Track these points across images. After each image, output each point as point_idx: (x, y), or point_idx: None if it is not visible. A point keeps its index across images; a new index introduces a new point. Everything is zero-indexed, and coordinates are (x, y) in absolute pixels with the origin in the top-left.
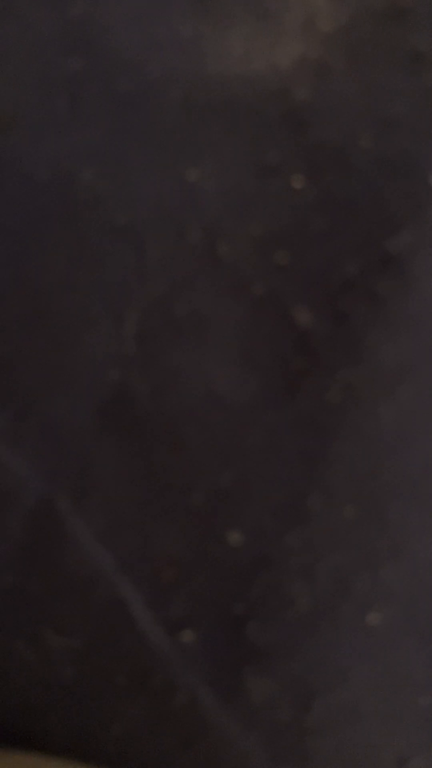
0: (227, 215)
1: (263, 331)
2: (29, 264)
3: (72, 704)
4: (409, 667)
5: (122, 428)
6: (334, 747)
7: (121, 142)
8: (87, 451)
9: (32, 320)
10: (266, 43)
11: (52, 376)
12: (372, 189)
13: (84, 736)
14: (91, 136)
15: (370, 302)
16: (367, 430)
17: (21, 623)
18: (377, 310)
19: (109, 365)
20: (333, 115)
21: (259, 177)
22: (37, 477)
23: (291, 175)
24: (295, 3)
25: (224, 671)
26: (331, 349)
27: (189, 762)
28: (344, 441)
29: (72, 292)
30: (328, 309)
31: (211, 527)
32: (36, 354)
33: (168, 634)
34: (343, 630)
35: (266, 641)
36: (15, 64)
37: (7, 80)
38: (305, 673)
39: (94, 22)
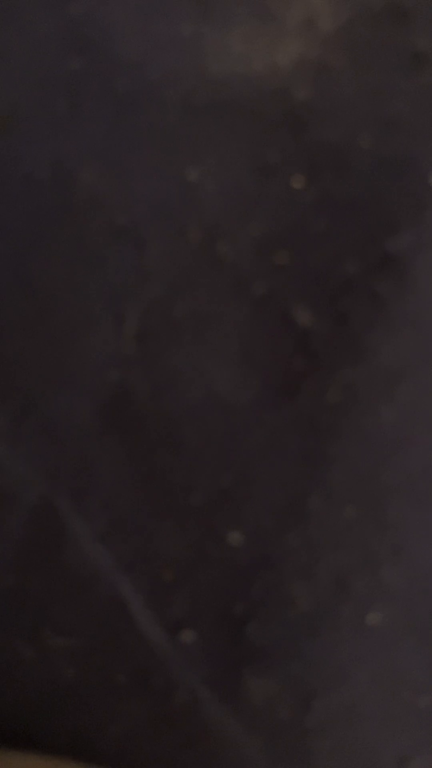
0: (227, 215)
1: (263, 331)
2: (29, 264)
3: (72, 704)
4: (409, 668)
5: (122, 428)
6: (333, 747)
7: (121, 142)
8: (87, 451)
9: (32, 320)
10: (266, 43)
11: (52, 376)
12: (372, 189)
13: (84, 736)
14: (91, 136)
15: (370, 302)
16: (367, 430)
17: (21, 623)
18: (377, 310)
19: (109, 365)
20: (333, 115)
21: (259, 177)
22: (37, 477)
23: (291, 175)
24: (295, 3)
25: (224, 671)
26: (331, 349)
27: (189, 762)
28: (344, 441)
29: (72, 292)
30: (328, 309)
31: (211, 527)
32: (36, 354)
33: (168, 633)
34: (343, 630)
35: (266, 641)
36: (15, 64)
37: (7, 80)
38: (305, 673)
39: (94, 22)
